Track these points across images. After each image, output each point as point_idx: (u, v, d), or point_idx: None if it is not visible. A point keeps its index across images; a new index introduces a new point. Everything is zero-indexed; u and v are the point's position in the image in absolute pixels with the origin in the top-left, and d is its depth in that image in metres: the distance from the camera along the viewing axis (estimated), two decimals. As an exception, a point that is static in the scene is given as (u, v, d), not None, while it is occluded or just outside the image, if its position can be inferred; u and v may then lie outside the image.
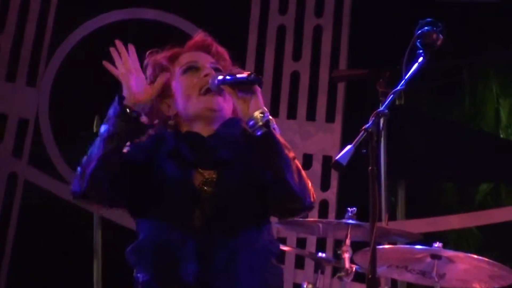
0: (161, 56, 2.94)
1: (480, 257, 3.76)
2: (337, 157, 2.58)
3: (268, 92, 6.06)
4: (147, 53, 2.94)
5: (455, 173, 6.46)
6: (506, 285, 3.87)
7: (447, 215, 6.05)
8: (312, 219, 4.46)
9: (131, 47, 2.84)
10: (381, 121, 2.66)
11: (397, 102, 3.04)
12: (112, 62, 2.84)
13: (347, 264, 3.95)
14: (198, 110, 2.84)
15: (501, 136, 7.08)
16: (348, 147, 2.60)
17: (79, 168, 2.78)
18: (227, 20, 6.05)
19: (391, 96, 2.76)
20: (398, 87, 2.80)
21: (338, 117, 6.01)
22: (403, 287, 5.43)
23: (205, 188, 2.79)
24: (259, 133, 2.74)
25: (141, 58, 2.93)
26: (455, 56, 6.04)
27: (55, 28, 6.22)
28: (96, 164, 2.73)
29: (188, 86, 2.87)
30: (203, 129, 2.85)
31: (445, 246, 3.77)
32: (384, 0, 6.30)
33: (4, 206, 6.04)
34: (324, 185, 5.93)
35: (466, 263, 3.81)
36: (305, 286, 4.20)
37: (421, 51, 2.91)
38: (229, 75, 2.80)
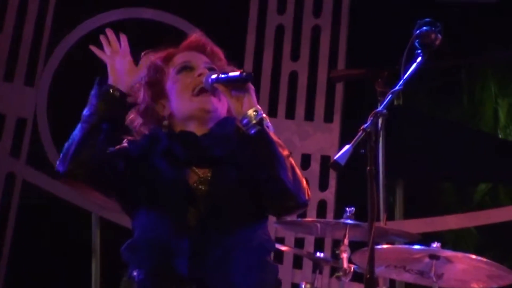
0: (155, 57, 2.95)
1: (478, 257, 3.76)
2: (335, 157, 2.58)
3: (267, 92, 6.06)
4: (142, 53, 2.95)
5: (453, 173, 6.45)
6: (504, 285, 3.87)
7: (445, 215, 6.05)
8: (310, 219, 4.47)
9: (122, 35, 2.88)
10: (380, 121, 2.66)
11: (395, 102, 3.05)
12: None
13: (345, 264, 3.95)
14: (192, 110, 2.86)
15: (500, 136, 7.08)
16: (347, 147, 2.60)
17: (63, 150, 2.82)
18: (225, 19, 6.05)
19: (390, 96, 2.76)
20: (397, 87, 2.80)
21: (337, 117, 6.01)
22: (401, 287, 5.43)
23: (200, 187, 2.80)
24: (252, 131, 2.75)
25: (140, 58, 2.94)
26: (453, 56, 6.05)
27: (53, 28, 6.22)
28: (78, 143, 2.78)
29: (182, 86, 2.88)
30: (197, 129, 2.86)
31: (443, 246, 3.77)
32: (383, 0, 6.30)
33: (2, 206, 6.03)
34: (323, 185, 5.92)
35: (464, 263, 3.81)
36: (303, 286, 4.20)
37: (419, 51, 2.91)
38: (222, 74, 2.81)
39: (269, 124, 2.78)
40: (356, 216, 4.00)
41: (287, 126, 6.00)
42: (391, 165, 4.78)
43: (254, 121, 2.75)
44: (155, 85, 2.93)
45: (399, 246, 4.08)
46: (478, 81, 7.15)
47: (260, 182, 2.74)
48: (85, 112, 2.83)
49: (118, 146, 2.88)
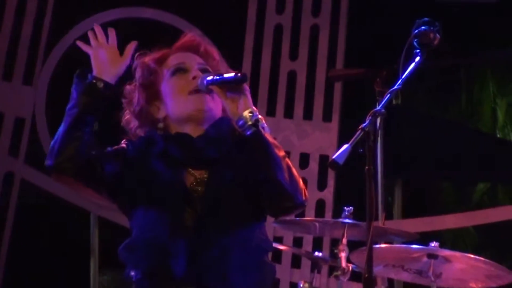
0: (149, 58, 2.95)
1: (477, 257, 3.76)
2: (334, 156, 2.58)
3: (265, 91, 6.06)
4: (136, 55, 2.95)
5: (452, 172, 6.46)
6: (502, 285, 3.87)
7: (443, 214, 6.05)
8: (308, 218, 4.47)
9: (111, 29, 2.91)
10: (378, 120, 2.66)
11: (394, 102, 3.04)
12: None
13: (343, 263, 3.95)
14: (187, 110, 2.86)
15: (498, 135, 7.09)
16: (345, 146, 2.60)
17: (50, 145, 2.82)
18: (224, 19, 6.05)
19: (388, 95, 2.76)
20: (395, 87, 2.80)
21: (335, 117, 6.01)
22: (400, 287, 5.43)
23: (197, 188, 2.80)
24: (248, 132, 2.75)
25: (136, 58, 2.94)
26: (452, 55, 6.05)
27: (52, 27, 6.21)
28: (63, 137, 2.78)
29: (176, 88, 2.88)
30: (193, 130, 2.86)
31: (441, 246, 3.77)
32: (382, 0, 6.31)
33: (0, 205, 6.03)
34: (321, 184, 5.92)
35: (462, 262, 3.81)
36: (301, 285, 4.19)
37: (418, 50, 2.91)
38: (217, 75, 2.81)
39: (265, 125, 2.78)
40: (355, 215, 4.00)
41: (286, 126, 6.00)
42: (390, 164, 4.78)
43: (249, 123, 2.74)
44: (149, 87, 2.92)
45: (398, 245, 4.08)
46: (477, 80, 7.15)
47: (257, 183, 2.74)
48: (68, 106, 2.85)
49: (116, 146, 2.88)
